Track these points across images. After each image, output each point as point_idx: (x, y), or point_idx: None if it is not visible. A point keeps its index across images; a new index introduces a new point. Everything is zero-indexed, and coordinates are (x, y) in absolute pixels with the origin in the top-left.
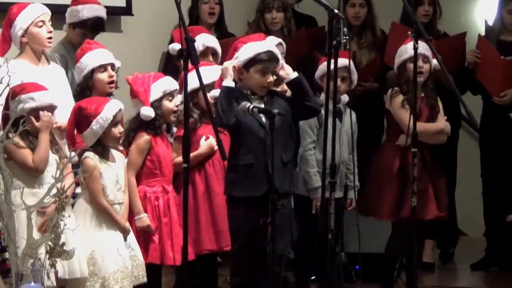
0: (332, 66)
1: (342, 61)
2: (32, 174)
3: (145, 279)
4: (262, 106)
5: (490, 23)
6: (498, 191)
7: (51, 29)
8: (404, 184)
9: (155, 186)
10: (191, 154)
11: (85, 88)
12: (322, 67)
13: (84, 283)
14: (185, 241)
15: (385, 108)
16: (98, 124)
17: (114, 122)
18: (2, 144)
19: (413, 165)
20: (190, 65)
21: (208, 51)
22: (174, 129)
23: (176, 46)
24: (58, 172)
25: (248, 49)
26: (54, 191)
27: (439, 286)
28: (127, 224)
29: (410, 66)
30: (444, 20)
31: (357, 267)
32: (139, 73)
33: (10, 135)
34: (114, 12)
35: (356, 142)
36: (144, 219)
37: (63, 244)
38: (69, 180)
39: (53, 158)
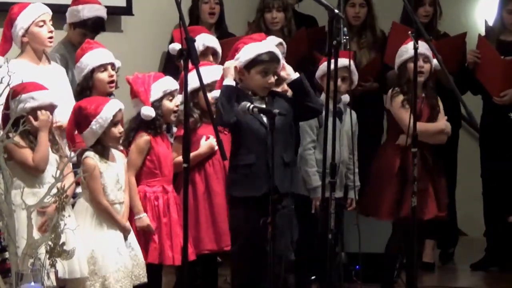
0: (332, 66)
1: (343, 61)
2: (32, 174)
3: (145, 279)
4: (263, 106)
5: (490, 23)
6: (498, 191)
7: (52, 28)
8: (404, 183)
9: (155, 186)
10: (191, 154)
11: (85, 87)
12: (323, 67)
13: (84, 283)
14: (185, 241)
15: (385, 108)
16: (97, 124)
17: (114, 122)
18: (3, 144)
19: (413, 165)
20: (190, 65)
21: (208, 51)
22: (174, 129)
23: (176, 46)
24: (58, 171)
25: (249, 50)
26: (54, 190)
27: (439, 286)
28: (128, 224)
29: (411, 66)
30: (445, 20)
31: (357, 267)
32: (139, 73)
33: (10, 134)
34: (114, 12)
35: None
36: (144, 218)
37: (63, 244)
38: (69, 179)
39: (53, 157)
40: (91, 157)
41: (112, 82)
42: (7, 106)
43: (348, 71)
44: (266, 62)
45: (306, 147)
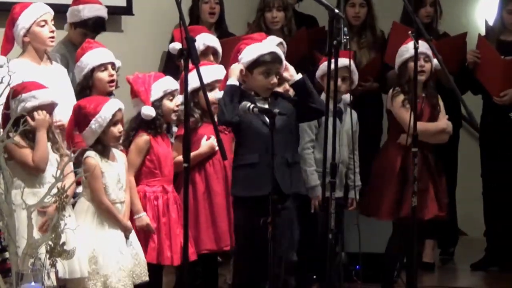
0: (332, 66)
1: (343, 61)
2: (32, 174)
3: (146, 278)
4: (266, 106)
5: (491, 23)
6: (498, 191)
7: (53, 28)
8: (405, 183)
9: (155, 186)
10: (192, 154)
11: (85, 87)
12: (323, 67)
13: (84, 283)
14: (185, 241)
15: (386, 108)
16: (97, 123)
17: (114, 121)
18: (3, 144)
19: (414, 165)
20: (190, 65)
21: (209, 51)
22: (175, 129)
23: (176, 46)
24: (59, 171)
25: (251, 51)
26: (54, 190)
27: (439, 286)
28: (129, 223)
29: (411, 65)
30: (445, 20)
31: (357, 267)
32: (139, 73)
33: (11, 134)
34: (114, 11)
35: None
36: (144, 218)
37: (64, 243)
38: (69, 179)
39: (53, 157)
40: (92, 157)
41: (112, 81)
42: (7, 106)
43: (348, 71)
44: (269, 63)
45: (304, 147)
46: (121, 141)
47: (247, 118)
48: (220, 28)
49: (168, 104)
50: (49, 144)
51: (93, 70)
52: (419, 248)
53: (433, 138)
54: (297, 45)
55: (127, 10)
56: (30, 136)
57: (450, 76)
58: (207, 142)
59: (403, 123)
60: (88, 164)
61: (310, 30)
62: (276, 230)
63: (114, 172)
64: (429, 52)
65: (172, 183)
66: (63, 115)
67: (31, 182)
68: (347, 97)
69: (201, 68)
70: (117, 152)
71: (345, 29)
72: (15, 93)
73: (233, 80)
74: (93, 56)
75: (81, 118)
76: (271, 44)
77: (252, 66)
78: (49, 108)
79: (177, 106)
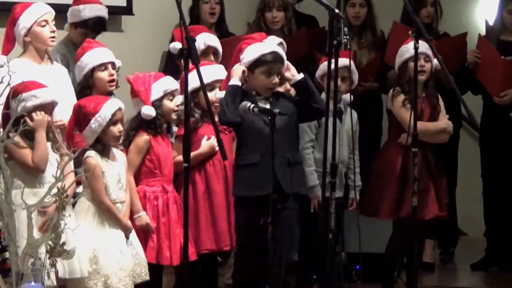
0: (332, 66)
1: (343, 61)
2: (32, 174)
3: (147, 277)
4: (267, 106)
5: (491, 23)
6: (498, 191)
7: (54, 28)
8: (405, 183)
9: (154, 185)
10: (192, 154)
11: (85, 86)
12: (323, 66)
13: (84, 283)
14: (185, 241)
15: (386, 108)
16: (96, 122)
17: (113, 121)
18: (3, 144)
19: (414, 165)
20: (190, 65)
21: (210, 50)
22: (175, 129)
23: (177, 45)
24: (59, 171)
25: (253, 50)
26: (54, 190)
27: (439, 286)
28: (129, 223)
29: (412, 65)
30: (445, 20)
31: (357, 267)
32: (139, 73)
33: (11, 134)
34: (114, 11)
35: None
36: (143, 217)
37: (64, 243)
38: (70, 179)
39: (53, 157)
40: (93, 157)
41: (112, 81)
42: (7, 106)
43: (348, 71)
44: (270, 63)
45: (304, 146)
46: (121, 140)
47: (248, 118)
48: (220, 28)
49: (168, 104)
50: (49, 144)
51: (93, 70)
52: (419, 248)
53: (434, 138)
54: (297, 45)
55: (127, 10)
56: (30, 136)
57: (450, 76)
58: (207, 142)
59: (404, 123)
60: (89, 164)
61: (310, 30)
62: (276, 230)
63: (115, 172)
64: (429, 52)
65: (172, 183)
66: (63, 115)
67: (31, 182)
68: (347, 97)
69: (201, 68)
70: (117, 152)
71: (345, 29)
72: (15, 92)
73: (235, 80)
74: (93, 55)
75: (81, 118)
76: (273, 44)
77: (254, 65)
78: (50, 107)
79: (177, 106)
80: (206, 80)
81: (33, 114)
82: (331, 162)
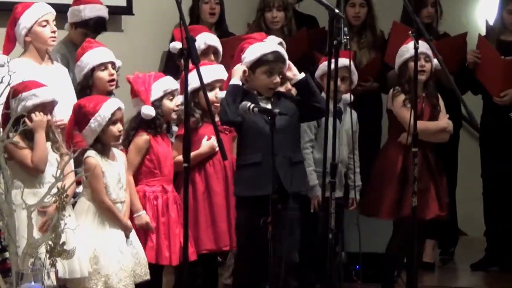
0: (332, 66)
1: (342, 61)
2: (32, 174)
3: (147, 277)
4: (269, 106)
5: (491, 23)
6: (498, 191)
7: (55, 29)
8: (406, 183)
9: (154, 185)
10: (192, 153)
11: (85, 86)
12: (322, 66)
13: (84, 283)
14: (185, 241)
15: (386, 108)
16: (96, 122)
17: (113, 120)
18: (3, 144)
19: (414, 165)
20: (191, 65)
21: (210, 50)
22: (175, 128)
23: (177, 45)
24: (59, 171)
25: (254, 50)
26: (54, 190)
27: (439, 286)
28: (129, 222)
29: (412, 65)
30: (445, 20)
31: (357, 266)
32: (139, 73)
33: (11, 134)
34: (114, 11)
35: None
36: (143, 216)
37: (64, 243)
38: (70, 179)
39: (53, 157)
40: (93, 157)
41: (112, 80)
42: (7, 106)
43: (348, 71)
44: (271, 62)
45: (304, 146)
46: (120, 140)
47: (249, 118)
48: (220, 28)
49: (168, 104)
50: (49, 144)
51: (93, 70)
52: (419, 248)
53: (434, 137)
54: (297, 45)
55: (127, 10)
56: (30, 136)
57: (450, 76)
58: (207, 142)
59: (404, 122)
60: (89, 163)
61: (310, 30)
62: (276, 230)
63: (115, 172)
64: (429, 52)
65: (172, 183)
66: (64, 114)
67: (31, 182)
68: (346, 97)
69: (201, 68)
70: (117, 152)
71: (345, 29)
72: (15, 92)
73: (236, 80)
74: (93, 55)
75: (80, 117)
76: (275, 43)
77: (255, 65)
78: (50, 106)
79: (177, 106)
80: (206, 80)
81: (32, 114)
82: (331, 162)
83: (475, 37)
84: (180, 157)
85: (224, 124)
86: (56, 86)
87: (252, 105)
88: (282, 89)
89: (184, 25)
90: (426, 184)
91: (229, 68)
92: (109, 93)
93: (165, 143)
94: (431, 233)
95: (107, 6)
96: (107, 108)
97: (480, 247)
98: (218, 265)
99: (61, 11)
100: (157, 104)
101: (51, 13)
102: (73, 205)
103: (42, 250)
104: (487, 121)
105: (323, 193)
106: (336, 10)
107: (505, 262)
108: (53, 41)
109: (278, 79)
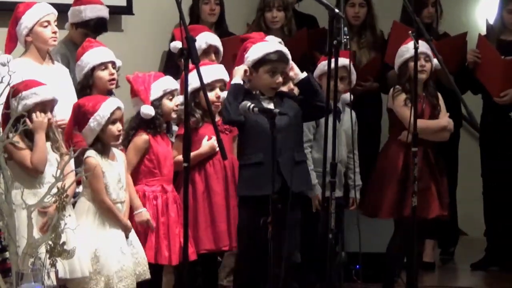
0: (332, 66)
1: (341, 61)
2: (31, 175)
3: (148, 276)
4: (271, 106)
5: (492, 22)
6: (499, 190)
7: (56, 29)
8: (407, 182)
9: (154, 185)
10: (192, 153)
11: (85, 86)
12: (321, 66)
13: (84, 283)
14: (185, 241)
15: (387, 107)
16: (95, 121)
17: (112, 120)
18: (2, 144)
19: (414, 165)
20: (191, 65)
21: (211, 50)
22: (175, 128)
23: (177, 44)
24: (59, 171)
25: (258, 49)
26: (54, 190)
27: (439, 285)
28: (129, 222)
29: (412, 65)
30: (445, 20)
31: (357, 266)
32: (139, 72)
33: (10, 134)
34: (114, 11)
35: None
36: (144, 213)
37: (64, 243)
38: (70, 179)
39: (53, 157)
40: (93, 156)
41: (112, 80)
42: (7, 106)
43: (346, 71)
44: (274, 62)
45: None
46: (120, 140)
47: (252, 118)
48: (220, 28)
49: (167, 103)
50: (48, 143)
51: (93, 69)
52: (420, 248)
53: (434, 136)
54: (297, 45)
55: (127, 9)
56: (30, 136)
57: (450, 76)
58: (208, 142)
59: (405, 121)
60: (89, 163)
61: (311, 30)
62: (276, 230)
63: (115, 172)
64: (429, 52)
65: (171, 183)
66: (65, 114)
67: (31, 183)
68: (345, 96)
69: (202, 68)
70: (117, 152)
71: (345, 29)
72: (15, 91)
73: (237, 79)
74: (94, 55)
75: (80, 117)
76: (278, 44)
77: (258, 64)
78: (50, 104)
79: (177, 106)
80: (206, 80)
81: (33, 115)
82: (331, 161)
83: (475, 37)
84: (180, 157)
85: (226, 124)
86: (56, 86)
87: (252, 104)
88: (284, 88)
89: (184, 25)
90: (427, 184)
91: (228, 68)
92: (109, 93)
93: (165, 143)
94: (431, 233)
95: (107, 6)
96: (106, 107)
97: (480, 247)
98: (218, 265)
99: (61, 11)
100: (156, 103)
101: (53, 14)
102: (73, 205)
103: (42, 250)
104: (487, 121)
105: (323, 193)
106: (336, 10)
107: (505, 262)
108: (54, 41)
109: (280, 79)
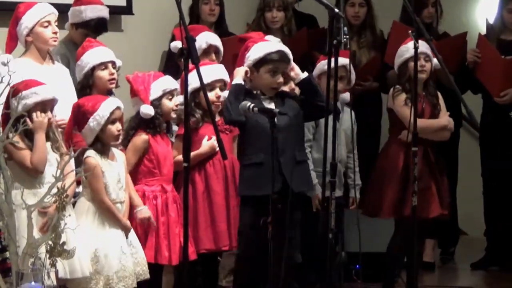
0: (332, 65)
1: (340, 60)
2: (31, 175)
3: (147, 276)
4: (272, 105)
5: (492, 22)
6: (499, 190)
7: (57, 30)
8: (407, 182)
9: (153, 185)
10: (192, 153)
11: (85, 86)
12: (320, 65)
13: (84, 283)
14: (185, 241)
15: (387, 107)
16: (95, 121)
17: (111, 120)
18: (2, 144)
19: (414, 164)
20: (191, 65)
21: (211, 49)
22: (175, 128)
23: (178, 44)
24: (59, 171)
25: (259, 49)
26: (54, 190)
27: (440, 285)
28: (128, 222)
29: (412, 65)
30: (445, 20)
31: (357, 266)
32: (139, 72)
33: (10, 134)
34: (114, 11)
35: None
36: (145, 210)
37: (64, 243)
38: (70, 179)
39: (53, 157)
40: (93, 156)
41: (112, 80)
42: (7, 106)
43: (345, 70)
44: (276, 61)
45: None
46: (120, 140)
47: (253, 118)
48: (220, 28)
49: (167, 103)
50: (48, 143)
51: (93, 69)
52: (420, 248)
53: (435, 135)
54: (297, 45)
55: (127, 9)
56: (30, 136)
57: (450, 75)
58: (208, 142)
59: (406, 121)
60: (89, 163)
61: (311, 30)
62: (276, 230)
63: (114, 172)
64: (429, 52)
65: (171, 183)
66: (65, 115)
67: (31, 183)
68: (344, 96)
69: (202, 68)
70: (116, 152)
71: (345, 28)
72: (15, 91)
73: (238, 80)
74: (94, 54)
75: (79, 117)
76: (279, 43)
77: (259, 64)
78: (50, 104)
79: (176, 105)
80: (206, 80)
81: (33, 114)
82: (331, 161)
83: (475, 37)
84: (180, 157)
85: (228, 124)
86: (57, 86)
87: (252, 104)
88: (286, 88)
89: (184, 25)
90: (427, 183)
91: (227, 68)
92: (109, 93)
93: (165, 142)
94: (431, 232)
95: (107, 6)
96: (105, 107)
97: (480, 246)
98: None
99: (62, 11)
100: (156, 103)
101: (54, 14)
102: (73, 204)
103: (42, 250)
104: (487, 121)
105: (323, 192)
106: (336, 10)
107: (505, 262)
108: (55, 41)
109: (281, 79)
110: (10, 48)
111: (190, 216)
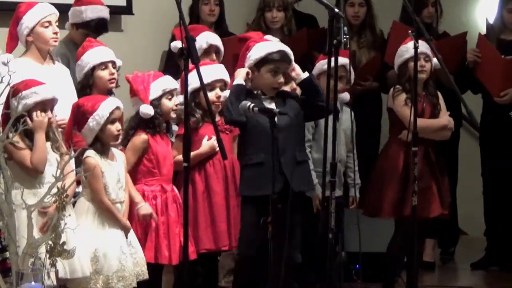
0: (332, 65)
1: (340, 60)
2: (31, 175)
3: (146, 276)
4: (273, 105)
5: (492, 22)
6: (499, 190)
7: (57, 30)
8: (408, 182)
9: (153, 185)
10: (192, 153)
11: (85, 85)
12: (319, 65)
13: (85, 283)
14: (185, 240)
15: (387, 107)
16: (94, 121)
17: (111, 120)
18: (2, 144)
19: (414, 164)
20: (191, 65)
21: (212, 49)
22: (175, 128)
23: (178, 44)
24: (59, 171)
25: (260, 49)
26: (54, 190)
27: (440, 285)
28: (128, 222)
29: (412, 65)
30: (445, 20)
31: (357, 266)
32: (139, 72)
33: (10, 134)
34: (114, 11)
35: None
36: (147, 206)
37: (64, 243)
38: (70, 178)
39: (53, 156)
40: (92, 156)
41: (112, 79)
42: (7, 106)
43: (344, 70)
44: (277, 61)
45: None
46: (120, 140)
47: (253, 118)
48: (220, 28)
49: (167, 103)
50: (48, 143)
51: (93, 69)
52: (420, 248)
53: (435, 135)
54: (297, 45)
55: (127, 9)
56: (30, 136)
57: (450, 75)
58: (208, 142)
59: (406, 121)
60: (88, 163)
61: (311, 30)
62: (276, 230)
63: (114, 172)
64: (429, 52)
65: (171, 182)
66: (65, 115)
67: (31, 183)
68: (343, 96)
69: (202, 68)
70: (116, 152)
71: (345, 28)
72: (15, 91)
73: (239, 80)
74: (94, 54)
75: (79, 117)
76: (280, 43)
77: (260, 63)
78: (50, 104)
79: (176, 105)
80: (206, 80)
81: (33, 114)
82: (331, 161)
83: (475, 37)
84: (180, 157)
85: (228, 124)
86: (57, 86)
87: (252, 104)
88: (287, 88)
89: (184, 25)
90: (427, 183)
91: (227, 68)
92: (109, 93)
93: (165, 142)
94: (431, 232)
95: (107, 6)
96: (105, 107)
97: (480, 246)
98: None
99: (62, 11)
100: (156, 103)
101: (54, 14)
102: (73, 204)
103: (42, 250)
104: (487, 120)
105: (323, 192)
106: (336, 10)
107: (505, 262)
108: (55, 41)
109: (282, 79)
110: (10, 48)
111: (190, 216)
